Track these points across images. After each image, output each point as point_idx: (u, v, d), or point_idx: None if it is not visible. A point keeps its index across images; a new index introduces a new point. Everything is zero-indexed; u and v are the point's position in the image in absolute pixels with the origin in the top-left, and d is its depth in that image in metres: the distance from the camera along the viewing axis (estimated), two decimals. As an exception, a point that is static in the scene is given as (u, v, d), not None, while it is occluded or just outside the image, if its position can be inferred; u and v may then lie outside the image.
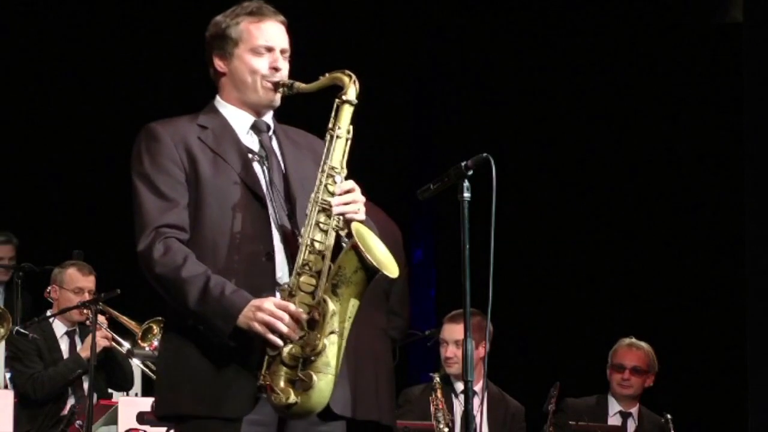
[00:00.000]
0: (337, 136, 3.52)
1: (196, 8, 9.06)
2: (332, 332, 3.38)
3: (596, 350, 7.53)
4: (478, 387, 6.21)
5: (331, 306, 3.38)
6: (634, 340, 7.31)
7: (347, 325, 3.41)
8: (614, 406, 7.28)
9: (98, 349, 6.91)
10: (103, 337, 7.05)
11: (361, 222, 3.48)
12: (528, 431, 7.16)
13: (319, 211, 3.46)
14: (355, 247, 3.38)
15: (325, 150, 3.52)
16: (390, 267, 3.43)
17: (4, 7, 9.14)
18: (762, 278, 7.66)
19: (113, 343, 7.17)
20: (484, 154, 3.75)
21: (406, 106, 10.36)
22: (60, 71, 9.26)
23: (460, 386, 6.76)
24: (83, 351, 7.16)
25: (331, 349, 3.37)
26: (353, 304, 3.41)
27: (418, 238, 10.32)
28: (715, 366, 8.92)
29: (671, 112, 9.50)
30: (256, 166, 3.60)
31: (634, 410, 7.27)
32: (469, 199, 3.75)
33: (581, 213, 9.62)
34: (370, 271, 3.39)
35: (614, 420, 7.24)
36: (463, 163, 3.78)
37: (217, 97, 3.71)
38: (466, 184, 3.76)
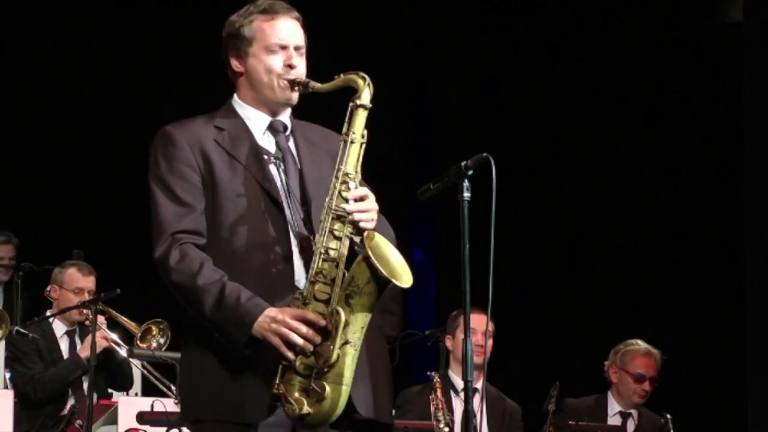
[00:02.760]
0: (352, 141, 3.50)
1: (194, 6, 9.09)
2: (345, 343, 3.37)
3: (596, 350, 7.53)
4: (478, 384, 6.21)
5: (344, 317, 3.36)
6: (646, 344, 7.26)
7: (360, 335, 3.40)
8: (614, 406, 7.28)
9: (98, 350, 6.89)
10: (102, 338, 7.04)
11: (373, 229, 3.46)
12: (527, 431, 7.17)
13: (333, 219, 3.44)
14: (366, 259, 3.36)
15: (339, 155, 3.50)
16: (404, 276, 3.42)
17: (6, 5, 9.14)
18: (762, 279, 7.67)
19: (113, 344, 7.16)
20: (484, 154, 3.73)
21: (406, 105, 10.35)
22: (60, 71, 9.26)
23: (460, 384, 6.77)
24: (83, 351, 7.15)
25: (345, 360, 3.37)
26: (366, 314, 3.40)
27: (418, 238, 10.32)
28: (715, 366, 8.92)
29: (671, 111, 9.50)
30: (272, 169, 3.58)
31: (634, 410, 7.27)
32: (469, 199, 3.73)
33: (581, 213, 9.61)
34: (382, 282, 3.38)
35: (614, 420, 7.24)
36: (463, 163, 3.76)
37: (235, 96, 3.69)
38: (466, 184, 3.74)
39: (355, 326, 3.39)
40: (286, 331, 3.35)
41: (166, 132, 3.58)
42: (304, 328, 3.35)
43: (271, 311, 3.38)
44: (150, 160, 3.57)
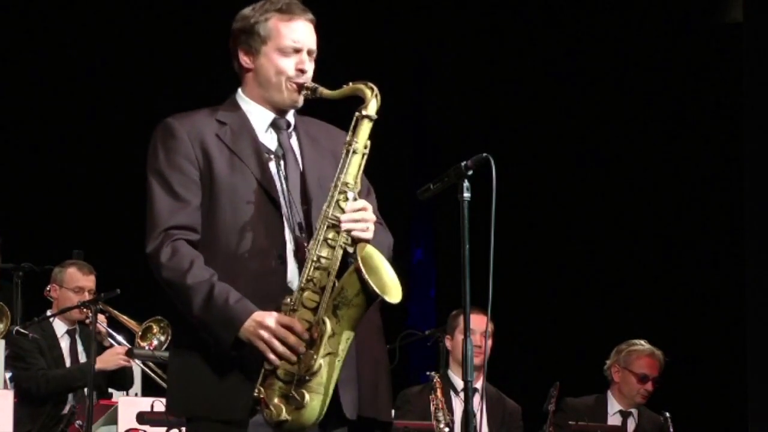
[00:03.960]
0: (354, 151, 3.46)
1: (192, 5, 9.08)
2: (329, 353, 3.35)
3: (596, 350, 7.53)
4: (478, 384, 6.21)
5: (329, 328, 3.35)
6: (650, 345, 7.27)
7: (345, 346, 3.38)
8: (614, 406, 7.29)
9: (116, 367, 7.09)
10: (122, 357, 7.11)
11: (368, 241, 3.43)
12: (527, 431, 7.17)
13: (328, 227, 3.41)
14: (357, 270, 3.34)
15: (340, 165, 3.47)
16: (393, 291, 3.39)
17: (6, 4, 9.14)
18: (762, 279, 7.68)
19: (131, 361, 7.20)
20: (484, 154, 3.73)
21: (407, 105, 10.36)
22: (60, 70, 9.25)
23: (460, 384, 6.77)
24: (98, 364, 7.05)
25: (327, 369, 3.36)
26: (353, 326, 3.38)
27: (418, 238, 10.32)
28: (715, 366, 8.92)
29: (671, 111, 9.51)
30: (273, 167, 3.55)
31: (634, 409, 7.27)
32: (469, 199, 3.73)
33: (581, 213, 9.62)
34: (371, 296, 3.35)
35: (614, 419, 7.25)
36: (463, 163, 3.75)
37: (239, 91, 3.66)
38: (466, 184, 3.74)
39: (341, 337, 3.37)
40: (271, 338, 3.34)
41: (167, 124, 3.56)
42: (290, 338, 3.34)
43: (258, 315, 3.36)
44: (149, 152, 3.55)
